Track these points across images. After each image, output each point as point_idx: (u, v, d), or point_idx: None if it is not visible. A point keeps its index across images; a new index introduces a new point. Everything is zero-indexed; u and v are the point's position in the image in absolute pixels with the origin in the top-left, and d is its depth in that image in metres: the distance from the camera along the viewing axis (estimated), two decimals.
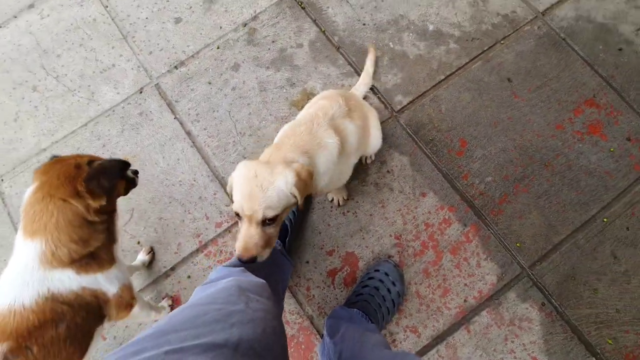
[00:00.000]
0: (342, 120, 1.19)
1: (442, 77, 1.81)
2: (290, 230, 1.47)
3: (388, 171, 1.68)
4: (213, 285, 0.85)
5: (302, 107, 1.43)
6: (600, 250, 1.56)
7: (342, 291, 1.53)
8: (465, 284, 1.52)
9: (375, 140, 1.45)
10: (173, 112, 1.83)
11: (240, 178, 0.97)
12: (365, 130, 1.35)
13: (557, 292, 1.52)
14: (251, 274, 0.98)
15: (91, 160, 1.01)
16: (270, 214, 0.92)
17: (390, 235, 1.59)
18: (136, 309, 1.14)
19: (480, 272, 1.53)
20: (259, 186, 0.92)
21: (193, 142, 1.77)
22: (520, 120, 1.72)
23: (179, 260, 1.61)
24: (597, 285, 1.53)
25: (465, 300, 1.51)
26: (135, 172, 1.21)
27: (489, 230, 1.57)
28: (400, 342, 1.51)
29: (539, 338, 1.46)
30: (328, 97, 1.27)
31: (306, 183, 0.99)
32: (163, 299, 1.52)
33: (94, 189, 0.97)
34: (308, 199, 1.65)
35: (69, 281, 0.97)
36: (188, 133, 1.79)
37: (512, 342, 1.46)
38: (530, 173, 1.65)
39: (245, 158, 1.70)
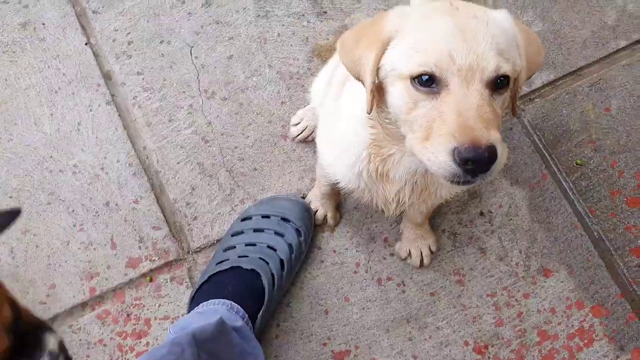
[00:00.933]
0: None
1: (624, 43, 1.35)
2: (268, 297, 1.12)
3: (482, 213, 1.24)
4: None
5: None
6: None
7: None
8: None
9: None
10: (85, 31, 1.39)
11: (425, 9, 0.71)
12: None
13: None
14: None
15: None
16: (505, 66, 0.66)
17: (466, 342, 1.20)
18: None
19: None
20: (474, 17, 0.67)
21: (113, 96, 1.36)
22: None
23: (47, 317, 1.21)
24: None
25: None
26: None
27: None
28: None
29: None
30: None
31: (531, 51, 0.73)
32: None
33: None
34: (315, 235, 1.24)
35: None
36: (107, 76, 1.35)
37: None
38: None
39: (207, 142, 1.31)
